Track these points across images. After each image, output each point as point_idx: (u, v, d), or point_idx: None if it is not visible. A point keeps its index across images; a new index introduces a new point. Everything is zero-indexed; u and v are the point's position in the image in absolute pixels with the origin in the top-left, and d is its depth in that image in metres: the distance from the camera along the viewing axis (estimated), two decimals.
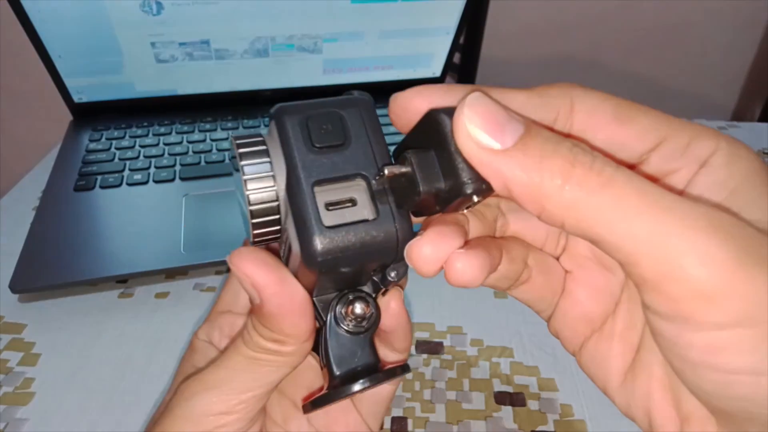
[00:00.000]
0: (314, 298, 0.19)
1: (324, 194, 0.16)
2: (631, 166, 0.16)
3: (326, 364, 0.19)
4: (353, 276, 0.18)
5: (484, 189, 0.14)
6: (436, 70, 0.67)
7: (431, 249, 0.16)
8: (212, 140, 0.56)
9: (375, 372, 0.19)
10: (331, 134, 0.16)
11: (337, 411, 0.24)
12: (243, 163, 0.16)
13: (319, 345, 0.20)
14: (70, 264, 0.40)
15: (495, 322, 0.39)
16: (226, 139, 0.56)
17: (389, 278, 0.18)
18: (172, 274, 0.43)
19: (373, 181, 0.16)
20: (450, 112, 0.14)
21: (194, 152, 0.54)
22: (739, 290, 0.12)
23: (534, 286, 0.20)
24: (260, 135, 0.17)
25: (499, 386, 0.35)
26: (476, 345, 0.38)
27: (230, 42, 0.58)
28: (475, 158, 0.13)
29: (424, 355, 0.37)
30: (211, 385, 0.19)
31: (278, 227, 0.17)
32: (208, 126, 0.58)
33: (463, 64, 1.27)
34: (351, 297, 0.19)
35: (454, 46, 0.65)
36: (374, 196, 0.16)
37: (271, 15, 0.56)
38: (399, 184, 0.16)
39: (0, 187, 0.67)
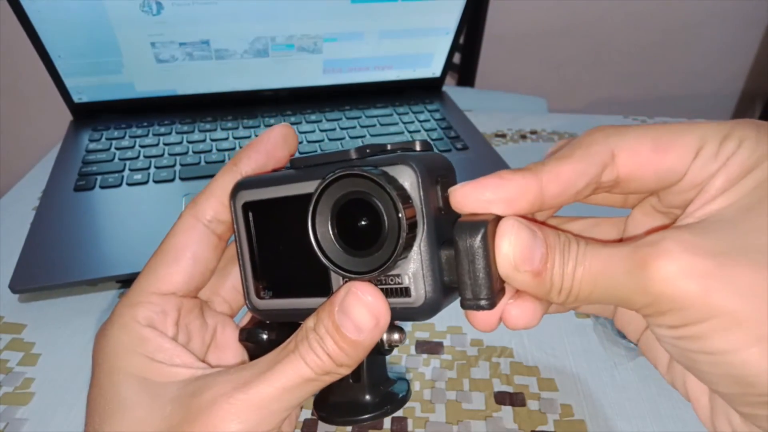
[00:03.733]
0: None
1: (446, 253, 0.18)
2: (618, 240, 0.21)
3: (353, 382, 0.21)
4: None
5: (492, 304, 0.17)
6: (436, 70, 0.67)
7: (487, 313, 0.18)
8: (212, 140, 0.56)
9: (391, 402, 0.22)
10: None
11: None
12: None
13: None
14: (70, 264, 0.40)
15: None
16: (227, 139, 0.56)
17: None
18: None
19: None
20: (484, 227, 0.16)
21: (194, 152, 0.54)
22: (675, 303, 0.15)
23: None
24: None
25: (499, 386, 0.35)
26: (476, 345, 0.38)
27: (230, 42, 0.58)
28: (510, 278, 0.17)
29: (424, 355, 0.37)
30: (258, 405, 0.18)
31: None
32: (208, 126, 0.58)
33: (463, 64, 1.28)
34: (391, 326, 0.21)
35: (454, 46, 0.65)
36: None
37: (271, 15, 0.56)
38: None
39: (0, 187, 0.67)
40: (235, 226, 0.22)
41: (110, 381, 0.20)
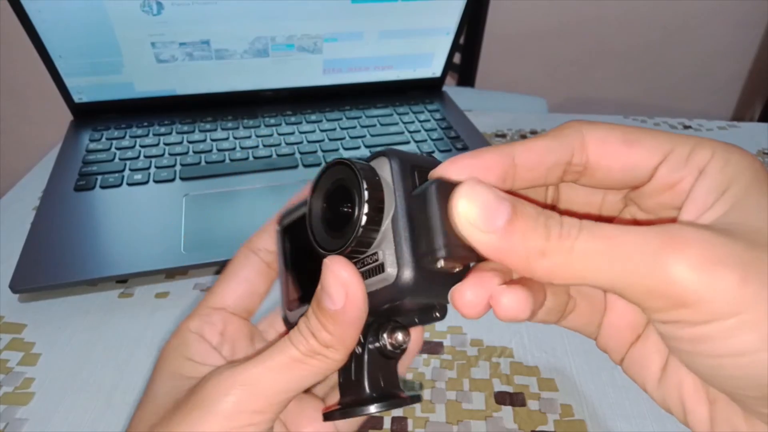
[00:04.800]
0: None
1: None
2: (610, 219, 0.20)
3: (355, 380, 0.22)
4: (406, 310, 0.21)
5: (467, 258, 0.17)
6: (436, 70, 0.67)
7: (472, 293, 0.17)
8: (212, 140, 0.56)
9: (393, 398, 0.21)
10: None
11: (314, 413, 0.25)
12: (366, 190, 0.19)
13: (348, 363, 0.22)
14: (70, 264, 0.40)
15: (495, 322, 0.39)
16: (227, 139, 0.56)
17: (433, 317, 0.22)
18: (172, 274, 0.43)
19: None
20: (449, 188, 0.16)
21: (194, 152, 0.54)
22: (706, 294, 0.14)
23: (580, 312, 0.21)
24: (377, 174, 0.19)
25: (499, 386, 0.35)
26: (476, 345, 0.38)
27: (230, 42, 0.58)
28: (472, 239, 0.16)
29: (424, 355, 0.37)
30: (248, 383, 0.19)
31: (370, 248, 0.19)
32: (208, 126, 0.58)
33: (463, 64, 1.28)
34: (393, 326, 0.21)
35: (454, 46, 0.65)
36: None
37: (271, 15, 0.56)
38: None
39: (0, 187, 0.67)
40: (277, 249, 0.25)
41: (152, 378, 0.23)
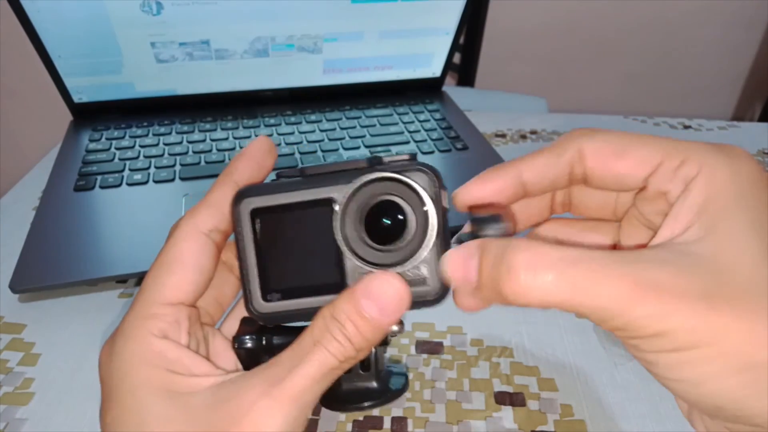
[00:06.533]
0: None
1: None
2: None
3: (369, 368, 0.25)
4: None
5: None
6: (436, 70, 0.67)
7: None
8: (212, 140, 0.56)
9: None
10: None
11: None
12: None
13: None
14: (70, 264, 0.40)
15: (495, 322, 0.39)
16: (227, 139, 0.56)
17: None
18: None
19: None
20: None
21: (194, 152, 0.54)
22: (677, 325, 0.15)
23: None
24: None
25: (499, 386, 0.35)
26: (476, 345, 0.38)
27: (230, 42, 0.58)
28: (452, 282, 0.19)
29: (424, 355, 0.37)
30: (295, 398, 0.19)
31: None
32: (208, 126, 0.58)
33: (463, 64, 1.28)
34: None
35: (454, 46, 0.65)
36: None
37: (271, 15, 0.56)
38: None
39: (0, 187, 0.67)
40: (239, 233, 0.22)
41: (135, 399, 0.20)
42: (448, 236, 0.20)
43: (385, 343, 0.23)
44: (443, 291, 0.20)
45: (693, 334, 0.15)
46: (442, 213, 0.20)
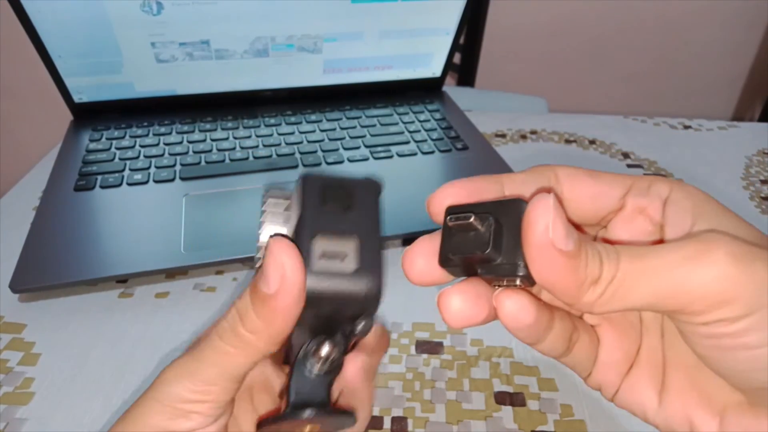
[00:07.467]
0: (292, 335, 0.21)
1: (321, 245, 0.19)
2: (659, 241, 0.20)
3: (286, 392, 0.22)
4: (327, 321, 0.21)
5: (530, 279, 0.17)
6: (436, 70, 0.67)
7: (460, 302, 0.20)
8: (212, 140, 0.56)
9: (325, 408, 0.21)
10: (340, 200, 0.20)
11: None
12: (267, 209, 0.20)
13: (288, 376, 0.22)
14: (70, 264, 0.40)
15: (495, 322, 0.39)
16: (227, 139, 0.56)
17: (355, 331, 0.21)
18: (172, 274, 0.43)
19: (372, 241, 0.20)
20: (524, 205, 0.17)
21: (194, 152, 0.54)
22: (745, 287, 0.15)
23: (583, 345, 0.21)
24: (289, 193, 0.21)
25: (499, 386, 0.35)
26: (476, 345, 0.38)
27: (230, 42, 0.58)
28: (543, 253, 0.16)
29: (424, 355, 0.37)
30: (184, 374, 0.20)
31: None
32: (208, 126, 0.58)
33: (463, 64, 1.28)
34: (321, 339, 0.21)
35: (454, 46, 0.65)
36: (362, 255, 0.19)
37: (271, 15, 0.56)
38: (463, 235, 0.19)
39: (0, 187, 0.67)
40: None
41: None
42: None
43: (307, 367, 0.22)
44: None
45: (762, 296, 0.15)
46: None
